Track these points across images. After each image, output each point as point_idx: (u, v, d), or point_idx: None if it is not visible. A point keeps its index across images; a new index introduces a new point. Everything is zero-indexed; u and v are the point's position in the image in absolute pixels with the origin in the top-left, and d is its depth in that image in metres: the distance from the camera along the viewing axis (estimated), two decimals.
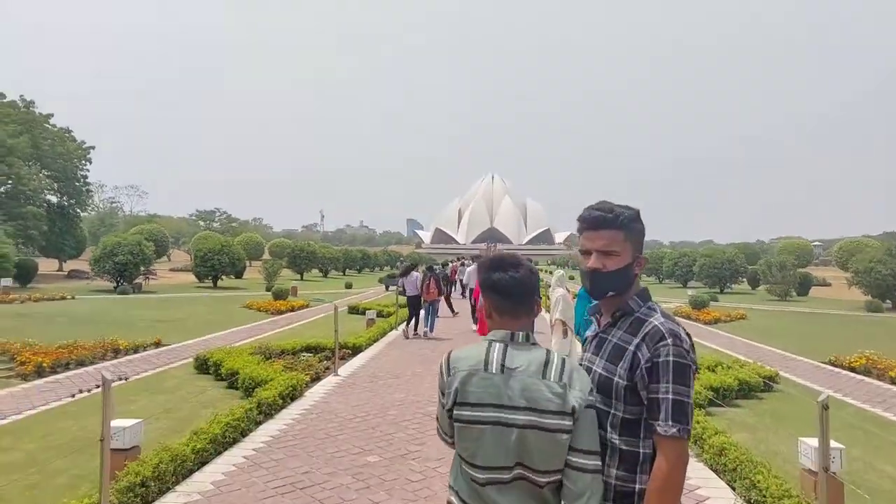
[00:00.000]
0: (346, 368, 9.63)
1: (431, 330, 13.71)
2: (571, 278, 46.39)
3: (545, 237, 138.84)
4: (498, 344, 1.72)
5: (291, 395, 7.43)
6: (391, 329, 14.32)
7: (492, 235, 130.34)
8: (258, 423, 6.37)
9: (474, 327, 14.50)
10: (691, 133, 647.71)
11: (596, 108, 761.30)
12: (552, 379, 1.65)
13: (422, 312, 13.85)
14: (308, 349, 10.51)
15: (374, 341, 12.35)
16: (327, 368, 9.49)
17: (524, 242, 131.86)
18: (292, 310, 18.88)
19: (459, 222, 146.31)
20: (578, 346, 8.97)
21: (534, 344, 1.74)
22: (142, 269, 28.73)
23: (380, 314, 17.18)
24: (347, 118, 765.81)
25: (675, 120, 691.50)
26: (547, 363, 1.68)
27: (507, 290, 1.75)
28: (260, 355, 9.58)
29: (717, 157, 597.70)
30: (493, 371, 1.67)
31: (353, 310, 18.62)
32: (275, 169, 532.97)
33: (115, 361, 10.03)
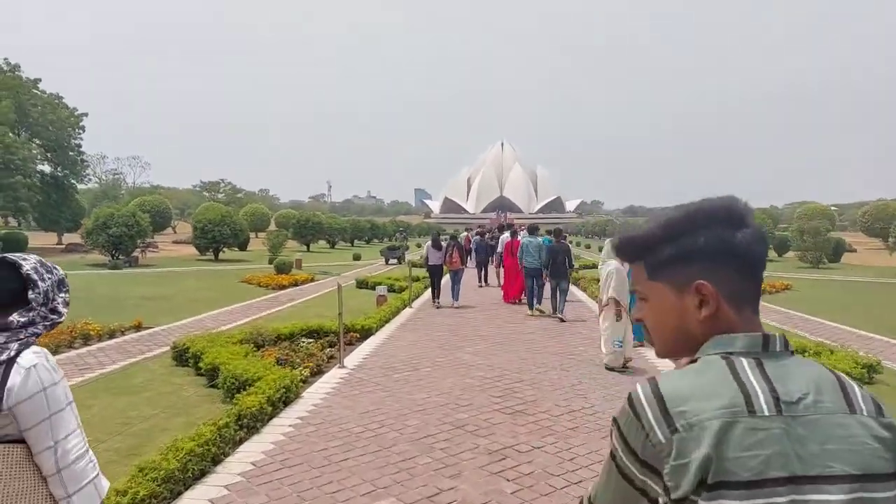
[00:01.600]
0: (354, 358, 8.12)
1: (457, 299, 13.34)
2: (588, 247, 44.77)
3: (556, 205, 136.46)
4: (746, 360, 0.88)
5: (285, 399, 5.92)
6: (405, 306, 12.80)
7: (502, 204, 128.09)
8: (238, 443, 4.86)
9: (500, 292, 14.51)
10: (697, 92, 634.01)
11: (598, 70, 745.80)
12: (865, 412, 0.86)
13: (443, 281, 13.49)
14: (309, 333, 8.99)
15: (386, 322, 10.82)
16: (332, 358, 7.98)
17: (535, 211, 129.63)
18: (296, 284, 17.40)
19: (469, 191, 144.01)
20: (630, 329, 7.40)
21: (792, 352, 0.92)
22: (139, 241, 27.38)
23: (391, 289, 15.68)
24: (356, 86, 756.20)
25: (680, 79, 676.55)
26: (842, 385, 0.88)
27: (759, 259, 0.95)
28: (250, 343, 8.08)
29: (717, 121, 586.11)
30: (767, 412, 0.83)
31: (362, 284, 17.11)
32: (283, 140, 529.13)
33: (84, 350, 8.58)
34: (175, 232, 65.97)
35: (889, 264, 26.57)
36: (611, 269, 7.10)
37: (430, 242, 14.07)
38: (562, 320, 11.09)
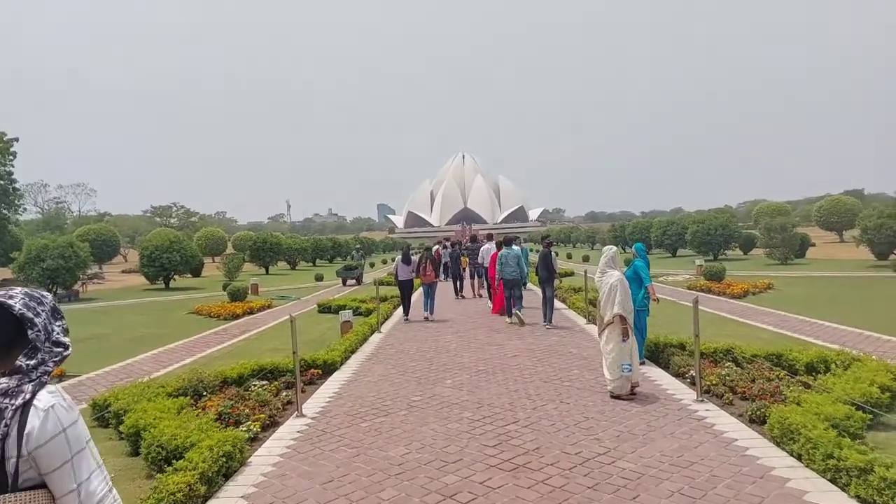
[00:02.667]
0: (316, 402, 6.88)
1: (432, 312, 13.13)
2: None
3: (519, 214, 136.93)
4: None
5: (225, 471, 4.68)
6: (373, 332, 11.57)
7: (466, 216, 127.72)
8: None
9: (490, 304, 14.35)
10: (649, 99, 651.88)
11: (551, 78, 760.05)
12: None
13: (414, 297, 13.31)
14: (262, 374, 7.70)
15: (353, 352, 9.58)
16: (289, 403, 6.74)
17: (499, 221, 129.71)
18: (251, 312, 15.94)
19: (433, 204, 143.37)
20: (636, 351, 6.41)
21: None
22: (79, 273, 25.36)
23: (357, 312, 14.46)
24: (310, 105, 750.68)
25: (639, 84, 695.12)
26: None
27: None
28: (188, 394, 6.76)
29: (669, 127, 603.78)
30: None
31: (324, 308, 15.79)
32: (239, 162, 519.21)
33: None
34: (126, 261, 62.87)
35: (854, 257, 26.62)
36: (614, 282, 6.10)
37: (399, 257, 13.66)
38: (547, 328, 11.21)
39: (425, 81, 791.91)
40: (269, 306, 17.24)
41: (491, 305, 14.04)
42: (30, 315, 1.47)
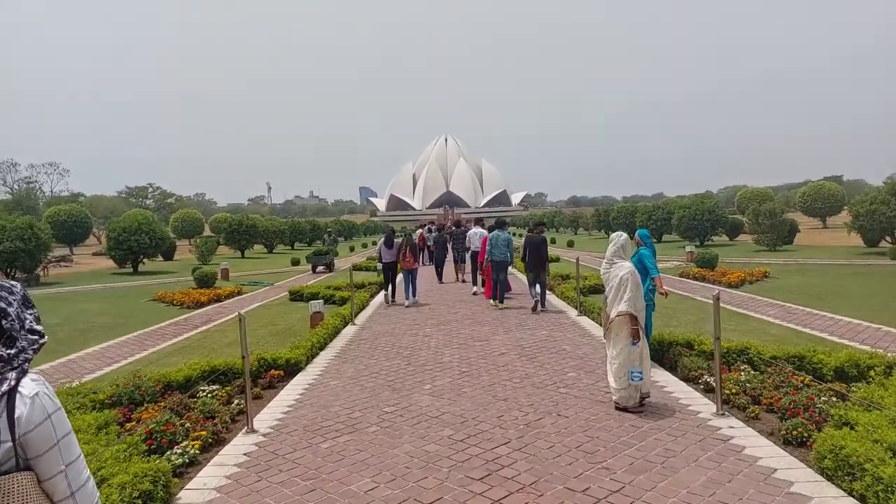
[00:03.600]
0: (271, 413, 5.89)
1: (414, 295, 13.04)
2: (554, 241, 43.45)
3: (502, 199, 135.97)
4: None
5: None
6: (346, 324, 10.57)
7: (448, 199, 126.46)
8: None
9: (475, 289, 14.40)
10: (632, 85, 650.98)
11: (540, 57, 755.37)
12: None
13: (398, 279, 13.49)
14: (214, 377, 6.67)
15: (321, 348, 8.59)
16: (240, 413, 5.76)
17: (481, 205, 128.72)
18: (217, 300, 14.82)
19: (415, 187, 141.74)
20: (647, 356, 5.53)
21: None
22: (42, 256, 23.91)
23: (330, 300, 13.46)
24: (293, 86, 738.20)
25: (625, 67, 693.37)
26: None
27: None
28: (122, 403, 5.74)
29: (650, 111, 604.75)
30: None
31: (296, 296, 14.73)
32: (221, 144, 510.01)
33: None
34: (100, 242, 60.85)
35: (843, 243, 26.16)
36: (624, 274, 5.17)
37: (383, 240, 13.89)
38: (534, 310, 11.22)
39: (409, 64, 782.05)
40: (239, 293, 16.13)
41: (482, 291, 14.01)
42: (2, 305, 1.50)
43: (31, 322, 1.54)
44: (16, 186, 79.45)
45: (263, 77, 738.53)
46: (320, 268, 23.13)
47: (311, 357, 7.95)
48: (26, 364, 1.48)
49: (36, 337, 1.53)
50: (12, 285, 1.55)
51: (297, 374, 7.29)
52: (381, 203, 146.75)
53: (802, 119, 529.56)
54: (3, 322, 1.47)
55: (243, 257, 35.73)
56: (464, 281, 16.87)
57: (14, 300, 1.52)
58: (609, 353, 5.44)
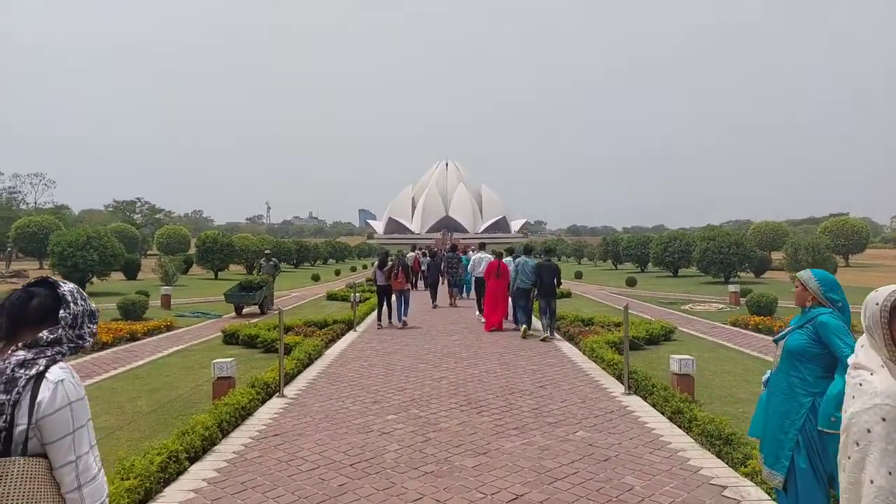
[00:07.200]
0: None
1: (406, 315, 12.83)
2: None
3: (501, 225, 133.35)
4: None
5: None
6: (264, 401, 6.95)
7: (447, 224, 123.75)
8: None
9: (477, 314, 13.91)
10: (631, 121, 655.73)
11: (548, 93, 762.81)
12: None
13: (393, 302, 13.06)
14: None
15: (188, 464, 5.10)
16: None
17: (480, 231, 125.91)
18: (132, 339, 11.24)
19: (413, 211, 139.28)
20: None
21: None
22: None
23: (269, 348, 9.83)
24: (297, 107, 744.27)
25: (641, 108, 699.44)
26: None
27: None
28: None
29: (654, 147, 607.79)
30: None
31: (231, 337, 11.16)
32: (222, 161, 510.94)
33: None
34: None
35: (883, 283, 22.88)
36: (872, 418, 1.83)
37: (377, 263, 13.76)
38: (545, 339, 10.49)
39: (413, 86, 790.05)
40: (169, 327, 12.59)
41: (482, 320, 12.75)
42: (69, 298, 1.60)
43: (86, 332, 1.65)
44: None
45: (265, 99, 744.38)
46: (247, 309, 15.79)
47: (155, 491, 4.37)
48: (59, 356, 1.56)
49: (80, 341, 1.61)
50: (90, 301, 1.69)
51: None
52: (379, 226, 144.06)
53: (802, 160, 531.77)
54: (62, 311, 1.59)
55: (216, 279, 32.34)
56: (456, 306, 16.72)
57: (83, 305, 1.64)
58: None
